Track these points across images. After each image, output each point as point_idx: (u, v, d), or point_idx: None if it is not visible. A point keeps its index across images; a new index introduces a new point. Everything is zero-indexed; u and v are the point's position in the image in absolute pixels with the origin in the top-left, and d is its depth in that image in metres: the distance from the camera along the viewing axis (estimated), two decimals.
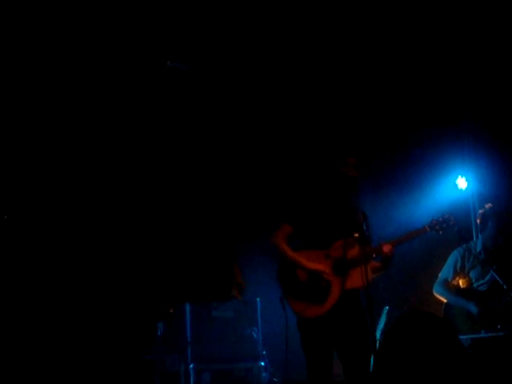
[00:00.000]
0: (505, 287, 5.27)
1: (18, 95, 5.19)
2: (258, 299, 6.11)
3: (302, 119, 6.90)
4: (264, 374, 5.96)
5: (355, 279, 4.23)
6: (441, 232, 4.55)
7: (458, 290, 5.55)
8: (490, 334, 4.89)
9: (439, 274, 5.69)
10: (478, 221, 5.69)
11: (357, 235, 4.25)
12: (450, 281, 5.60)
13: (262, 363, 5.99)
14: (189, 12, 5.71)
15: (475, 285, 5.50)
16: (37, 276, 4.48)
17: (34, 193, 4.65)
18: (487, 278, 5.46)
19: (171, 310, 5.66)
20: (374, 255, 4.38)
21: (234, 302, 6.02)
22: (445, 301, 5.57)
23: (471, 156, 6.90)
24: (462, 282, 5.57)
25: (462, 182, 6.85)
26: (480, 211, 5.73)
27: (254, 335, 6.00)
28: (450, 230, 4.60)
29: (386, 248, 4.35)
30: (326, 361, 4.27)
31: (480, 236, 5.66)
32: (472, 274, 5.53)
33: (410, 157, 6.99)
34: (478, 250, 5.59)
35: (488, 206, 5.65)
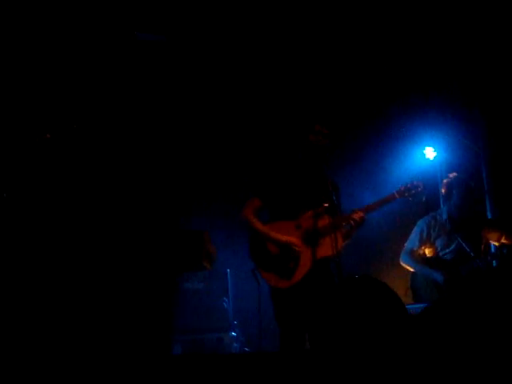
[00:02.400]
0: (472, 255, 5.36)
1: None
2: (228, 270, 6.13)
3: (270, 88, 6.85)
4: (235, 344, 6.00)
5: (325, 248, 4.26)
6: (410, 198, 4.59)
7: (424, 259, 5.62)
8: None
9: (405, 244, 5.75)
10: (443, 190, 5.75)
11: (326, 205, 4.28)
12: (416, 250, 5.66)
13: (233, 333, 6.02)
14: None
15: (441, 253, 5.57)
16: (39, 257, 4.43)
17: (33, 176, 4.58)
18: (453, 246, 5.53)
19: None
20: (343, 224, 4.41)
21: (205, 273, 6.02)
22: (411, 270, 5.64)
23: (439, 126, 6.94)
24: (428, 251, 5.64)
25: (429, 152, 6.90)
26: (444, 181, 5.78)
27: (225, 305, 6.02)
28: (419, 196, 4.63)
29: (357, 215, 4.38)
30: (298, 330, 4.31)
31: (445, 205, 5.73)
32: (438, 243, 5.59)
33: (379, 127, 7.00)
34: (444, 218, 5.65)
35: (452, 175, 5.71)
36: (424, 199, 5.24)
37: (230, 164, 6.98)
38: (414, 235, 5.72)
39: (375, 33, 6.46)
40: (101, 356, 4.00)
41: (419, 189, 4.60)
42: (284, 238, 4.36)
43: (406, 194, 4.57)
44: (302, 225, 4.38)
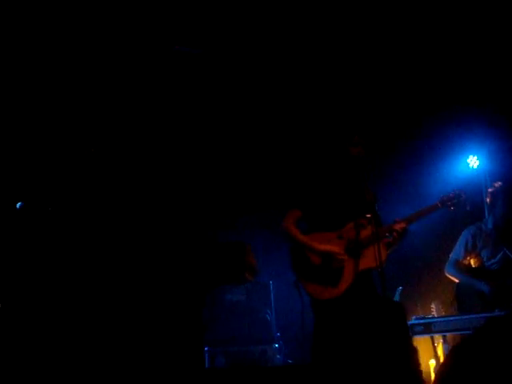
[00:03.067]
0: None
1: (23, 89, 5.20)
2: (270, 282, 6.13)
3: (310, 99, 6.86)
4: (278, 356, 5.99)
5: (369, 259, 4.21)
6: (452, 208, 4.51)
7: (469, 270, 5.53)
8: (504, 313, 4.88)
9: (450, 255, 5.67)
10: (488, 199, 5.67)
11: (369, 215, 4.25)
12: (461, 260, 5.58)
13: (277, 345, 6.01)
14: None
15: (487, 264, 5.48)
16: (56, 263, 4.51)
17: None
18: (499, 256, 5.44)
19: None
20: (386, 234, 4.36)
21: (247, 285, 6.04)
22: (456, 281, 5.56)
23: (483, 135, 6.85)
24: (473, 262, 5.56)
25: (473, 161, 6.81)
26: (489, 190, 5.70)
27: (268, 318, 6.03)
28: (461, 205, 4.57)
29: (400, 225, 4.32)
30: (335, 343, 4.26)
31: (490, 214, 5.64)
32: (483, 253, 5.51)
33: (421, 136, 6.95)
34: (489, 228, 5.57)
35: (497, 184, 5.62)
36: (468, 208, 5.16)
37: (270, 176, 7.00)
38: (459, 245, 5.64)
39: (418, 42, 6.43)
40: (131, 368, 4.03)
41: (461, 198, 4.53)
42: (327, 247, 4.32)
43: (449, 204, 4.51)
44: (344, 235, 4.35)
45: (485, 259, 5.49)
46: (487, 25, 6.14)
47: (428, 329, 5.36)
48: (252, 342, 5.98)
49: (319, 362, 4.20)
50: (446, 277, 5.70)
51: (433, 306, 5.92)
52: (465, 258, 5.58)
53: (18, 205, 4.31)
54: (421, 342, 5.64)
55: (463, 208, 4.97)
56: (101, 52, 5.64)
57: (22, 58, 5.35)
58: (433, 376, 5.64)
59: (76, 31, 5.48)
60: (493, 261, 5.46)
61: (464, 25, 6.19)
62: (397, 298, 6.13)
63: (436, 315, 5.74)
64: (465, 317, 5.13)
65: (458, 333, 5.19)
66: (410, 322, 5.16)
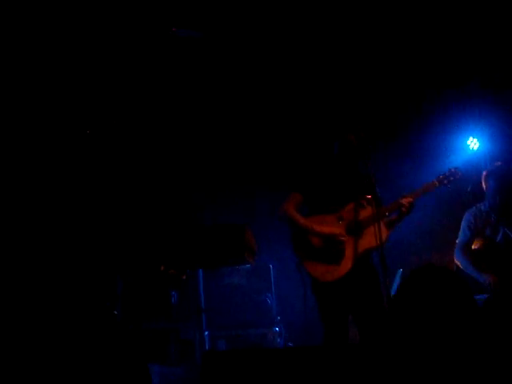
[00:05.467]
0: None
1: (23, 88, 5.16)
2: (270, 265, 6.12)
3: (310, 86, 6.84)
4: (279, 340, 5.99)
5: (369, 239, 4.24)
6: (449, 186, 4.68)
7: (476, 254, 5.46)
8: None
9: (457, 240, 5.63)
10: (482, 181, 5.63)
11: (369, 196, 4.26)
12: (467, 243, 5.51)
13: (277, 329, 6.00)
14: None
15: (489, 244, 5.43)
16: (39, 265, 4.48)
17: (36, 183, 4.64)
18: (499, 236, 5.40)
19: (184, 277, 5.67)
20: (386, 214, 4.39)
21: (247, 268, 6.02)
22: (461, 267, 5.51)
23: (482, 116, 6.82)
24: (479, 243, 5.49)
25: (473, 143, 6.77)
26: (483, 172, 5.66)
27: (268, 301, 6.01)
28: (458, 183, 4.74)
29: (406, 200, 4.43)
30: (342, 323, 4.28)
31: (486, 196, 5.60)
32: (487, 232, 5.47)
33: (421, 119, 6.92)
34: (485, 209, 5.54)
35: (497, 164, 5.58)
36: (469, 189, 5.14)
37: (269, 160, 6.98)
38: (463, 229, 5.58)
39: (413, 27, 6.41)
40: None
41: (457, 176, 4.70)
42: (328, 229, 4.34)
43: (445, 182, 4.66)
44: (345, 216, 4.37)
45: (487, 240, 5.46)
46: (485, 4, 6.11)
47: None
48: (253, 325, 5.97)
49: (332, 343, 4.23)
50: (449, 261, 5.66)
51: None
52: (470, 239, 5.52)
53: None
54: None
55: (464, 189, 4.96)
56: (98, 43, 5.59)
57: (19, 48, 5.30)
58: None
59: (71, 18, 5.44)
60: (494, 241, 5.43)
61: (462, 4, 6.16)
62: (397, 280, 6.13)
63: None
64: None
65: None
66: None
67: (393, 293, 5.98)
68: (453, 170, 4.72)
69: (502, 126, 6.76)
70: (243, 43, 6.37)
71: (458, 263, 5.55)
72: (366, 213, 4.31)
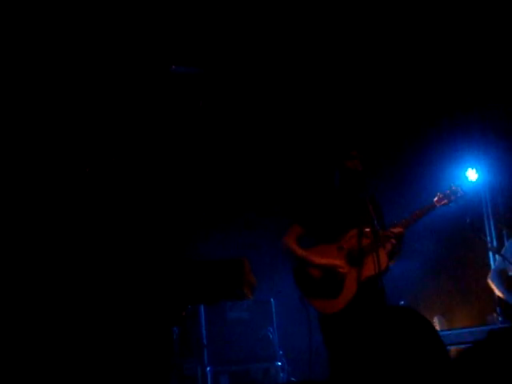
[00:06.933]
0: None
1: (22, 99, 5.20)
2: (272, 299, 6.10)
3: (305, 114, 6.87)
4: (282, 374, 5.95)
5: (370, 267, 4.19)
6: (450, 204, 4.49)
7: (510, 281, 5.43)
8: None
9: (496, 263, 5.60)
10: None
11: (368, 229, 4.24)
12: (505, 270, 5.46)
13: (279, 363, 5.97)
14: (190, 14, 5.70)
15: None
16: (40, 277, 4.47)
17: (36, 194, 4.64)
18: None
19: (183, 313, 5.64)
20: (385, 241, 4.34)
21: (249, 302, 6.00)
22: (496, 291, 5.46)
23: (481, 147, 6.84)
24: None
25: (472, 174, 6.79)
26: None
27: (270, 335, 5.99)
28: (460, 201, 4.53)
29: (396, 229, 4.29)
30: (348, 356, 4.22)
31: None
32: None
33: (419, 149, 6.94)
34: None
35: None
36: (468, 221, 5.12)
37: (270, 193, 7.00)
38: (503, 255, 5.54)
39: (416, 52, 6.45)
40: None
41: (459, 194, 4.54)
42: (326, 260, 4.31)
43: (446, 201, 4.52)
44: (344, 246, 4.35)
45: None
46: (486, 32, 6.16)
47: None
48: (255, 360, 5.94)
49: (339, 377, 4.17)
50: (448, 290, 5.66)
51: (435, 319, 5.88)
52: (509, 266, 5.45)
53: None
54: None
55: (463, 220, 4.95)
56: (97, 70, 5.65)
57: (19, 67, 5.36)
58: None
59: (74, 49, 5.50)
60: None
61: (463, 33, 6.22)
62: None
63: (439, 329, 5.70)
64: (466, 330, 5.09)
65: (462, 346, 5.15)
66: None
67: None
68: (454, 187, 4.54)
69: (501, 157, 6.78)
70: (240, 72, 6.42)
71: (492, 284, 5.50)
72: (365, 241, 4.27)
